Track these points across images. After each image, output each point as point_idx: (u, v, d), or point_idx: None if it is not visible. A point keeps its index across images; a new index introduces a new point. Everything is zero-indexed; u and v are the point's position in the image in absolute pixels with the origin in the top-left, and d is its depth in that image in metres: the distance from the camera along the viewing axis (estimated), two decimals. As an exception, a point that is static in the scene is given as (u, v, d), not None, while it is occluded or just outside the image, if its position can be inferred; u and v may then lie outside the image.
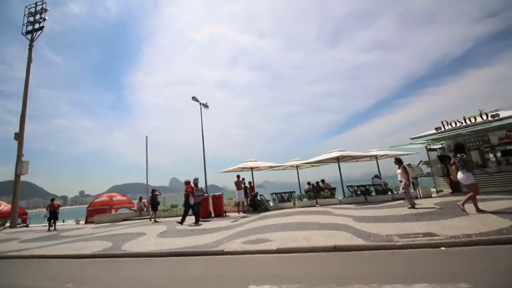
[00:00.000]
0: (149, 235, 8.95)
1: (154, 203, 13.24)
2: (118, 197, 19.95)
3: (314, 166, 18.64)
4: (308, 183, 15.19)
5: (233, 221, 10.51)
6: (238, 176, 13.61)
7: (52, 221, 14.56)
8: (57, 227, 14.84)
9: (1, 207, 23.65)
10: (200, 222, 10.79)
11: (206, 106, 15.88)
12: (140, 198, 17.56)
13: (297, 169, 18.46)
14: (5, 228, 20.21)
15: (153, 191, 13.30)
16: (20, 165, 20.44)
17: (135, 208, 17.25)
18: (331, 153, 14.62)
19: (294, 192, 15.40)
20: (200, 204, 11.53)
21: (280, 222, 8.57)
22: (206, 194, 13.23)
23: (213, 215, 13.01)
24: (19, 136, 21.15)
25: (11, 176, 20.45)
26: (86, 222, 17.74)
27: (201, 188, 11.94)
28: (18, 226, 20.97)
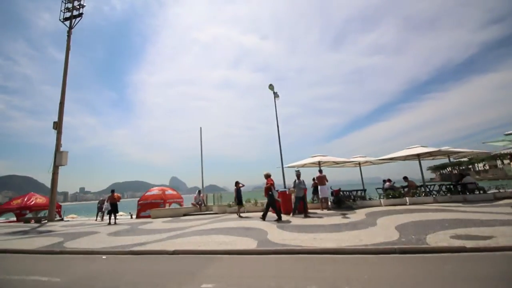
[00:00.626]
0: (270, 231, 7.90)
1: (239, 197, 12.10)
2: (169, 191, 18.83)
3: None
4: (389, 180, 14.17)
5: (344, 217, 9.49)
6: (320, 171, 12.59)
7: (111, 214, 13.52)
8: (108, 221, 13.70)
9: (35, 199, 22.67)
10: (294, 217, 9.78)
11: (277, 95, 14.86)
12: (199, 192, 16.53)
13: (359, 166, 17.46)
14: (44, 221, 19.23)
15: (237, 183, 12.13)
16: (59, 155, 19.18)
17: (194, 202, 16.07)
18: (411, 149, 13.74)
19: (365, 190, 14.49)
20: (303, 197, 10.61)
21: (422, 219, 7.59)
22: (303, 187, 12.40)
23: (284, 212, 11.94)
24: (57, 125, 19.91)
25: (48, 169, 19.33)
26: (138, 217, 16.68)
27: (303, 180, 10.88)
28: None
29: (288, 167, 15.66)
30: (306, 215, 10.26)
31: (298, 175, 10.84)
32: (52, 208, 18.61)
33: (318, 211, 12.20)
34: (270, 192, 10.54)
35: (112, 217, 13.58)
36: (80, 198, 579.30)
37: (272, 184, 10.79)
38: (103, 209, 13.74)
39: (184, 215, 14.95)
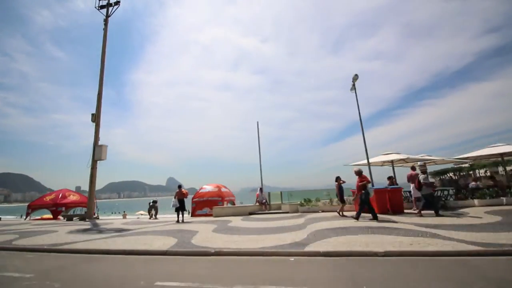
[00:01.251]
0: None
1: (341, 194, 11.04)
2: (223, 188, 17.77)
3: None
4: (475, 180, 13.30)
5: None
6: (413, 168, 11.65)
7: (179, 211, 12.46)
8: (177, 219, 12.57)
9: (69, 195, 21.50)
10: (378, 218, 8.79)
11: (354, 88, 13.93)
12: (261, 190, 15.51)
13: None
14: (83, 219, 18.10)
15: (338, 179, 11.03)
16: (98, 149, 17.89)
17: (258, 200, 14.99)
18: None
19: (453, 188, 13.74)
20: (431, 195, 9.70)
21: None
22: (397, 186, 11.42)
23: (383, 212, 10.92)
24: (96, 117, 18.67)
25: (87, 164, 18.11)
26: (194, 215, 15.61)
27: (428, 175, 9.87)
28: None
29: (354, 165, 14.89)
30: (375, 217, 9.12)
31: (424, 170, 9.84)
32: (91, 205, 17.46)
33: (409, 210, 11.29)
34: (363, 190, 9.62)
35: (181, 215, 12.49)
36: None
37: (368, 181, 9.88)
38: (172, 206, 12.62)
39: (250, 213, 13.90)
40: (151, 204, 17.43)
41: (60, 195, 21.09)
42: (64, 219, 17.16)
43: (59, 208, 19.91)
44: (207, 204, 15.44)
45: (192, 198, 16.68)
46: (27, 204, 22.17)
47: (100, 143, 18.28)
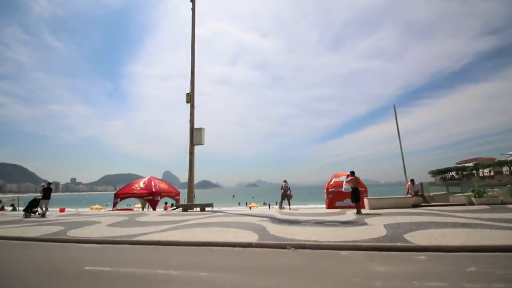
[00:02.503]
0: None
1: None
2: (342, 177, 16.70)
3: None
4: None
5: None
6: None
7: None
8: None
9: (157, 183, 19.76)
10: None
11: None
12: (412, 181, 14.61)
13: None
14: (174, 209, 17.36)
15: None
16: (197, 133, 15.95)
17: (414, 190, 14.09)
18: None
19: None
20: None
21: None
22: None
23: None
24: (190, 97, 16.51)
25: (185, 149, 15.74)
26: (332, 206, 14.77)
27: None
28: (172, 208, 18.02)
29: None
30: None
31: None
32: (191, 194, 15.69)
33: None
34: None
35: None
36: (72, 189, 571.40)
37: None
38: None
39: (413, 206, 13.06)
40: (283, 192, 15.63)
41: (153, 183, 19.29)
42: (175, 209, 16.27)
43: (155, 197, 18.34)
44: (343, 196, 14.29)
45: (327, 189, 15.40)
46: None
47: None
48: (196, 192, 17.10)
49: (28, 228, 9.83)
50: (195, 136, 15.92)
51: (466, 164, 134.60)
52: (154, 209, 17.63)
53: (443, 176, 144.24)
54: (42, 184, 14.90)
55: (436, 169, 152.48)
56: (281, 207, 15.41)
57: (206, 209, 14.77)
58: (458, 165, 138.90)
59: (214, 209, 16.05)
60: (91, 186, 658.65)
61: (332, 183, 15.57)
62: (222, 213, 12.83)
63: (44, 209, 14.24)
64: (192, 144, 15.92)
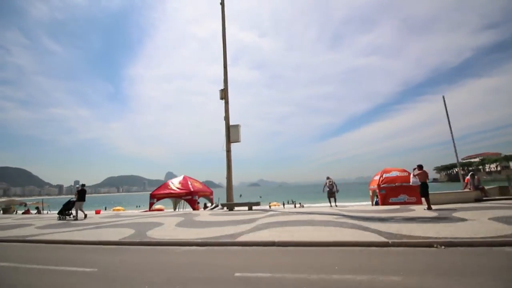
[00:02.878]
0: None
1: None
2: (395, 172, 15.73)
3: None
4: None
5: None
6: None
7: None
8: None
9: (193, 182, 19.11)
10: None
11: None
12: (473, 175, 13.93)
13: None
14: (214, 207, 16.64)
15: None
16: (234, 130, 15.31)
17: (470, 186, 13.52)
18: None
19: None
20: None
21: None
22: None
23: None
24: (224, 93, 15.91)
25: (222, 147, 15.20)
26: (386, 203, 14.11)
27: None
28: (211, 208, 17.26)
29: None
30: None
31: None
32: (231, 192, 15.04)
33: None
34: None
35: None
36: (75, 191, 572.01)
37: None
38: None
39: (476, 200, 12.46)
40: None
41: (189, 182, 18.56)
42: (215, 208, 15.72)
43: (194, 197, 17.60)
44: (400, 190, 14.18)
45: (379, 184, 14.74)
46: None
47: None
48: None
49: (94, 232, 9.30)
50: (231, 133, 15.33)
51: (472, 160, 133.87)
52: (194, 209, 17.05)
53: (448, 172, 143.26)
54: (77, 186, 14.35)
55: (442, 165, 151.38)
56: (330, 205, 14.89)
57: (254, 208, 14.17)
58: (464, 161, 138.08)
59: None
60: (95, 188, 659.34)
61: (383, 178, 15.04)
62: (278, 212, 12.16)
63: (79, 211, 13.78)
64: (229, 142, 15.40)
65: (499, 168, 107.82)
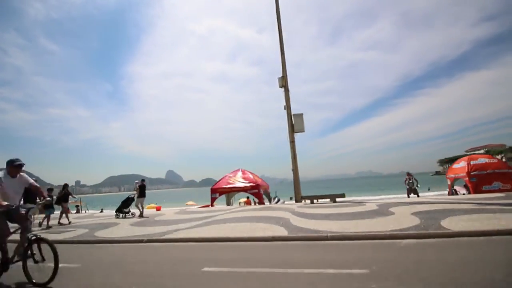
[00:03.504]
0: None
1: None
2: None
3: None
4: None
5: None
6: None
7: None
8: None
9: (248, 174, 17.73)
10: None
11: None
12: None
13: None
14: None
15: None
16: (297, 119, 14.27)
17: None
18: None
19: None
20: None
21: None
22: None
23: None
24: (284, 80, 14.78)
25: (286, 137, 14.25)
26: (476, 192, 12.89)
27: None
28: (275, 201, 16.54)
29: None
30: None
31: None
32: (298, 185, 13.90)
33: None
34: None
35: None
36: (77, 191, 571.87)
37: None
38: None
39: None
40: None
41: (251, 175, 17.21)
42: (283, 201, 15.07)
43: (260, 190, 16.32)
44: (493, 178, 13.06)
45: (472, 175, 13.35)
46: None
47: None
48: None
49: (205, 229, 7.75)
50: (295, 122, 14.38)
51: (476, 152, 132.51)
52: (261, 203, 15.63)
53: (451, 165, 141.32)
54: (136, 181, 12.96)
55: (446, 158, 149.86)
56: (408, 197, 14.02)
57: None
58: (468, 153, 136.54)
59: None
60: (96, 188, 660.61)
61: (471, 166, 13.69)
62: (371, 203, 10.57)
63: (141, 208, 12.45)
64: (292, 132, 14.36)
65: (504, 160, 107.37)
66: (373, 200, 12.48)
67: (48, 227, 10.44)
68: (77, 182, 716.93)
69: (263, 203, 15.72)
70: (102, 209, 31.41)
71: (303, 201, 12.89)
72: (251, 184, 16.27)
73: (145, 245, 6.67)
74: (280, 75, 15.00)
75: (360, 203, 10.76)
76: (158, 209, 19.75)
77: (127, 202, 13.00)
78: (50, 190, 12.31)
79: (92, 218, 13.71)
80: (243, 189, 16.63)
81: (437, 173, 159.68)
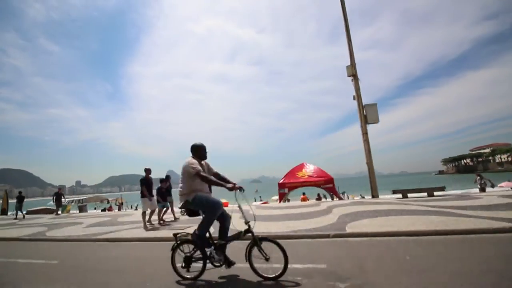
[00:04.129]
0: None
1: None
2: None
3: None
4: None
5: None
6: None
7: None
8: None
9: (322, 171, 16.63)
10: None
11: None
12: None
13: None
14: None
15: None
16: (370, 110, 13.38)
17: None
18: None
19: None
20: None
21: None
22: None
23: None
24: (353, 68, 14.01)
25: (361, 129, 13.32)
26: None
27: None
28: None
29: None
30: None
31: None
32: (374, 179, 13.07)
33: None
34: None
35: None
36: (78, 191, 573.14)
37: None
38: None
39: None
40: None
41: (319, 169, 16.15)
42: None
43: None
44: None
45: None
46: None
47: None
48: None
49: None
50: (368, 113, 13.26)
51: (482, 151, 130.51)
52: (338, 198, 14.64)
53: (456, 164, 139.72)
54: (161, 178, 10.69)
55: (450, 157, 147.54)
56: None
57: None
58: (473, 152, 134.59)
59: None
60: (97, 188, 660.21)
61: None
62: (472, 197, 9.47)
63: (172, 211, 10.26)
64: (365, 123, 13.33)
65: (510, 159, 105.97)
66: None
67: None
68: (78, 182, 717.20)
69: (341, 198, 14.98)
70: (125, 208, 31.47)
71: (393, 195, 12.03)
72: (323, 178, 15.17)
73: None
74: (348, 63, 14.02)
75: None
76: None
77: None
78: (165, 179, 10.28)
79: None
80: (316, 184, 15.36)
81: (440, 172, 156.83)
